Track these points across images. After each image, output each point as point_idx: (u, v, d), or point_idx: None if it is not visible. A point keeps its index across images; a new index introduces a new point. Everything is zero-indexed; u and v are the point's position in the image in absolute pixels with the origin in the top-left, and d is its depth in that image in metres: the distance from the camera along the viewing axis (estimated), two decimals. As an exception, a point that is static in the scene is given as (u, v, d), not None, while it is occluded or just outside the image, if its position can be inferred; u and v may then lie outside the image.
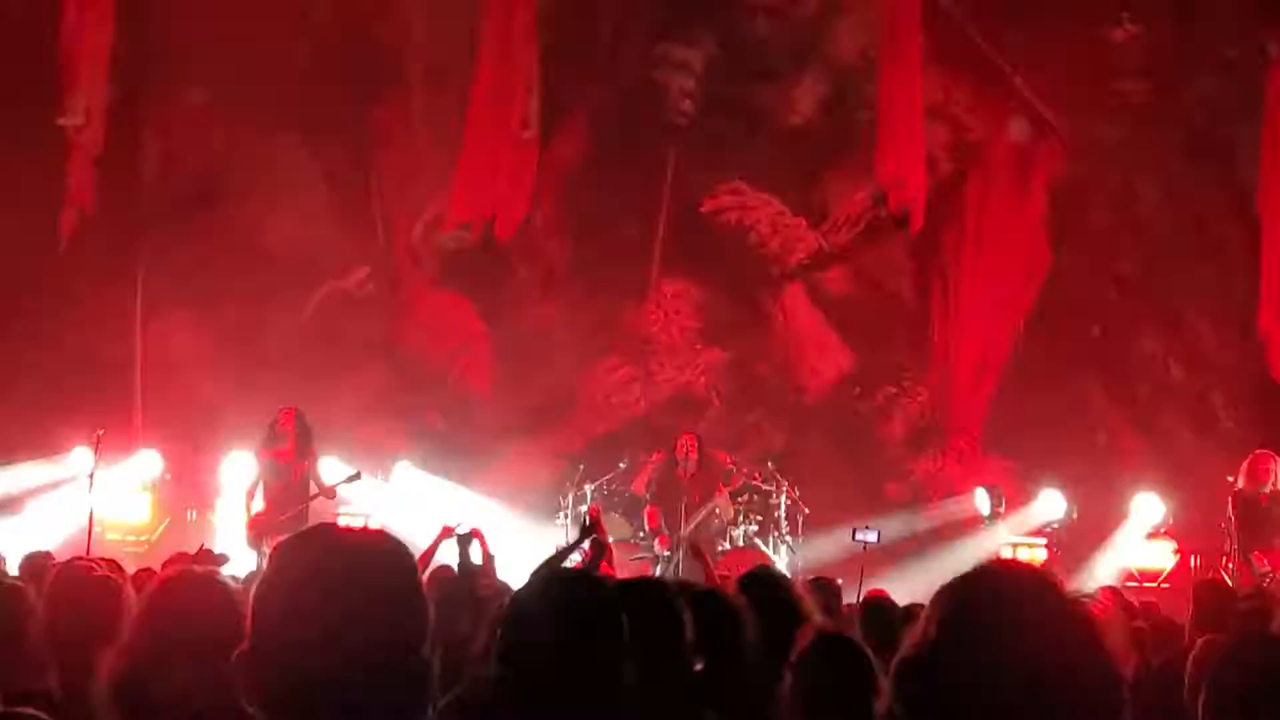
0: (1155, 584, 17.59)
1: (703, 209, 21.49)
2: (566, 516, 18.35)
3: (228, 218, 19.62)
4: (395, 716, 2.49)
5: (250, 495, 15.60)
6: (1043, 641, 2.33)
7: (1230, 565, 15.62)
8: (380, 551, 2.53)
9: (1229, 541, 15.85)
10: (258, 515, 15.33)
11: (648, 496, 17.78)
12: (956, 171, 21.32)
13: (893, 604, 8.49)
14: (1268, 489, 15.38)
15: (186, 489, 18.85)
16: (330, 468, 16.07)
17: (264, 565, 2.57)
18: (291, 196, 19.74)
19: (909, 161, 20.91)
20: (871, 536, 17.03)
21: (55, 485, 17.35)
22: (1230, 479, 16.97)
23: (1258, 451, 15.79)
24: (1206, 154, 20.23)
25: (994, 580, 2.42)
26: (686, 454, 17.94)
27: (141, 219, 20.46)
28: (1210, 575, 15.45)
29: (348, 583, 2.46)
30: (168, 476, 18.78)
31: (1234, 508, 15.59)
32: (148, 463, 18.47)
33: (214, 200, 19.84)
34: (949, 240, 21.28)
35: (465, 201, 21.40)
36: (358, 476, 15.41)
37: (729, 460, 18.64)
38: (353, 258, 20.85)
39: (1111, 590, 10.78)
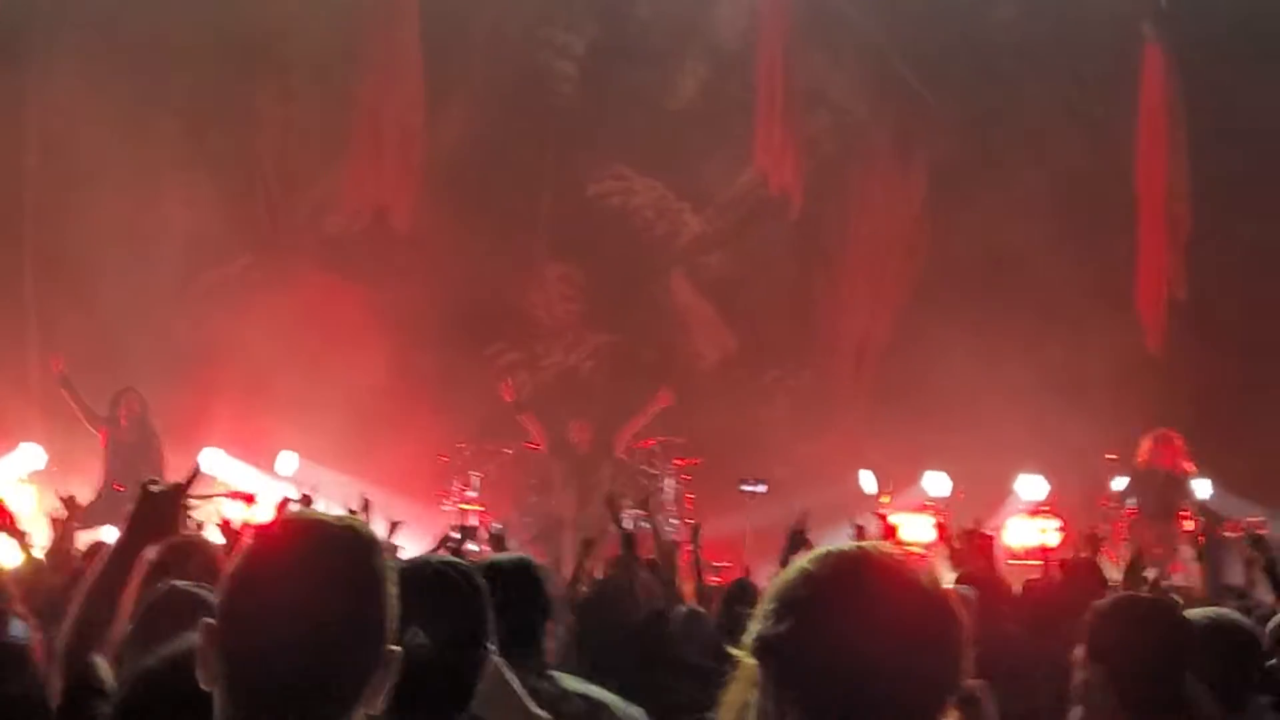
0: (1040, 562, 17.72)
1: (587, 193, 21.52)
2: (454, 503, 18.37)
3: (108, 201, 19.31)
4: (345, 706, 2.56)
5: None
6: (896, 630, 2.41)
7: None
8: (352, 543, 2.60)
9: (1116, 519, 16.15)
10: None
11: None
12: (837, 153, 21.46)
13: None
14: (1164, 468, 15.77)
15: (70, 480, 18.61)
16: (208, 459, 16.16)
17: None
18: (174, 181, 19.48)
19: (788, 144, 21.02)
20: (760, 488, 17.23)
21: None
22: (1111, 456, 17.27)
23: (1160, 431, 16.14)
24: (1085, 130, 20.46)
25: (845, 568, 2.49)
26: (579, 438, 18.19)
27: (22, 204, 20.22)
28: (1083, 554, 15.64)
29: (317, 571, 2.54)
30: (54, 469, 18.54)
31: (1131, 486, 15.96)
32: (30, 455, 18.25)
33: (95, 184, 19.53)
34: (830, 222, 21.43)
35: (349, 187, 21.30)
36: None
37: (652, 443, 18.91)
38: (237, 244, 20.64)
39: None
